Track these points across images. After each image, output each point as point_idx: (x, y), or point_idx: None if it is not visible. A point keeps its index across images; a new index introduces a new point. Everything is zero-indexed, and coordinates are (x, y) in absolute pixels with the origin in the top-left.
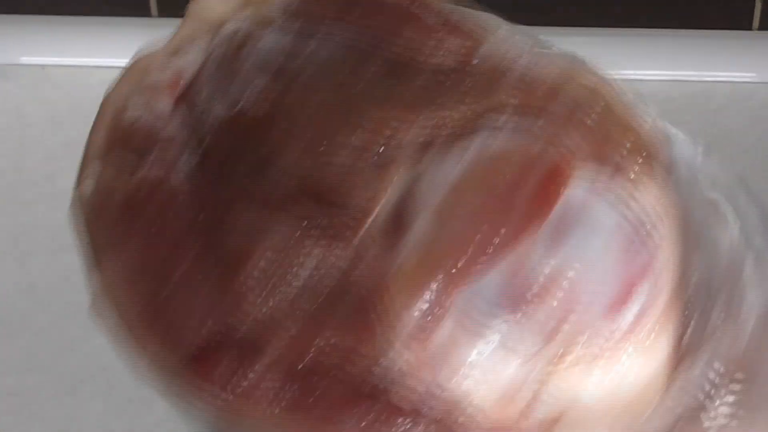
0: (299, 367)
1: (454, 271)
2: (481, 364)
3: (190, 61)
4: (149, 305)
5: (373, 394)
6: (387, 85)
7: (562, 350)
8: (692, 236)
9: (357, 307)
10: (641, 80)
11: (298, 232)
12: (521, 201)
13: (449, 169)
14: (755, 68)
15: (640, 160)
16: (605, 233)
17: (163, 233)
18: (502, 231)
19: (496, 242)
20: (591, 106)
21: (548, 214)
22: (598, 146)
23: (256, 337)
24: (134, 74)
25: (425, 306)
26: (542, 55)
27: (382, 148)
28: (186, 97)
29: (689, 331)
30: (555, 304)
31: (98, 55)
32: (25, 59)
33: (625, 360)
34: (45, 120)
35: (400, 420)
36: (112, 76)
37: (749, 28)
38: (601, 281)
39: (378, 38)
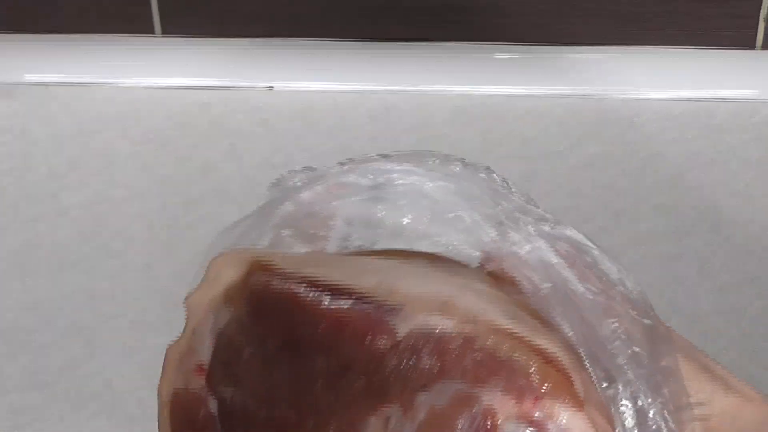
0: None
1: None
2: None
3: (207, 348)
4: None
5: None
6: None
7: None
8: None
9: None
10: (645, 98)
11: None
12: None
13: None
14: (759, 86)
15: (548, 388)
16: None
17: None
18: None
19: None
20: (496, 347)
21: None
22: (512, 383)
23: None
24: (172, 361)
25: None
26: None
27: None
28: (209, 382)
29: None
30: None
31: (102, 74)
32: (29, 78)
33: None
34: (48, 138)
35: None
36: (115, 95)
37: (753, 46)
38: None
39: (316, 349)
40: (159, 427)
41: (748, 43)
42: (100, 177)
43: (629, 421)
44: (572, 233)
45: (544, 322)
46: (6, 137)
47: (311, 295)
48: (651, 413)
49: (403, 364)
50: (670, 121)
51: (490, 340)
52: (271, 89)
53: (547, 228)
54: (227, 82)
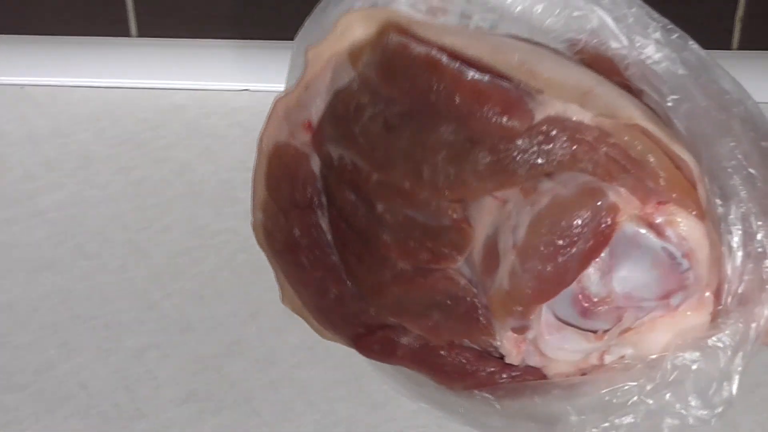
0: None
1: (531, 302)
2: (566, 347)
3: (317, 105)
4: (316, 311)
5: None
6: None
7: (624, 328)
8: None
9: (466, 314)
10: None
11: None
12: (585, 238)
13: (526, 216)
14: None
15: (675, 195)
16: (649, 257)
17: (316, 264)
18: (570, 265)
19: (565, 276)
20: (630, 145)
21: (606, 246)
22: (640, 183)
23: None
24: (277, 114)
25: (515, 322)
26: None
27: (470, 204)
28: (316, 139)
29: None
30: (613, 307)
31: (77, 75)
32: (4, 79)
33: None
34: (24, 139)
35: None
36: (91, 96)
37: (729, 47)
38: (648, 293)
39: (456, 116)
40: (254, 179)
41: (724, 44)
42: (76, 178)
43: (736, 241)
44: (696, 47)
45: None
46: None
47: (453, 64)
48: (759, 236)
49: (534, 147)
50: None
51: (626, 137)
52: (246, 91)
53: (674, 37)
54: (203, 83)
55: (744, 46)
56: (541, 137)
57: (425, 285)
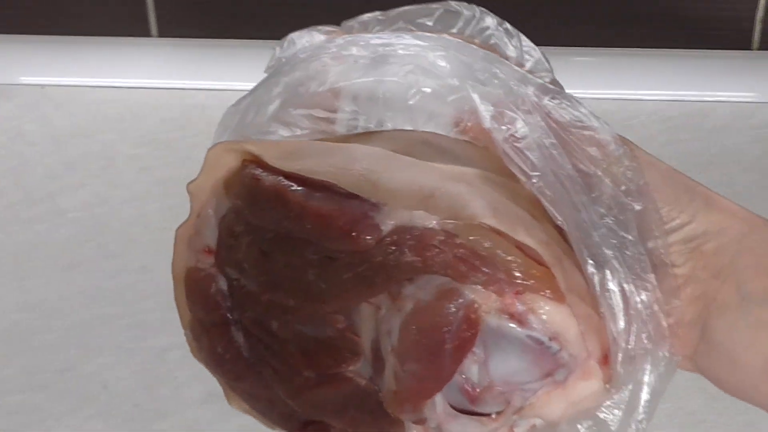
0: None
1: (417, 400)
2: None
3: (212, 231)
4: (256, 412)
5: None
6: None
7: (516, 408)
8: None
9: (374, 410)
10: (642, 99)
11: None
12: (451, 337)
13: (396, 320)
14: (755, 88)
15: (531, 283)
16: (518, 345)
17: (242, 375)
18: (445, 363)
19: (442, 374)
20: (477, 243)
21: (473, 341)
22: (493, 278)
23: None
24: (181, 242)
25: (411, 416)
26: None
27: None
28: (217, 262)
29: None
30: (497, 393)
31: (98, 75)
32: (25, 79)
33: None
34: (45, 139)
35: None
36: (112, 96)
37: (749, 48)
38: (526, 376)
39: (305, 242)
40: (177, 303)
41: (744, 44)
42: (98, 178)
43: (615, 307)
44: (573, 103)
45: (536, 205)
46: (2, 139)
47: (297, 191)
48: (638, 297)
49: (387, 257)
50: (665, 123)
51: (471, 237)
52: None
53: (546, 99)
54: (224, 83)
55: (764, 46)
56: (392, 247)
57: (332, 388)
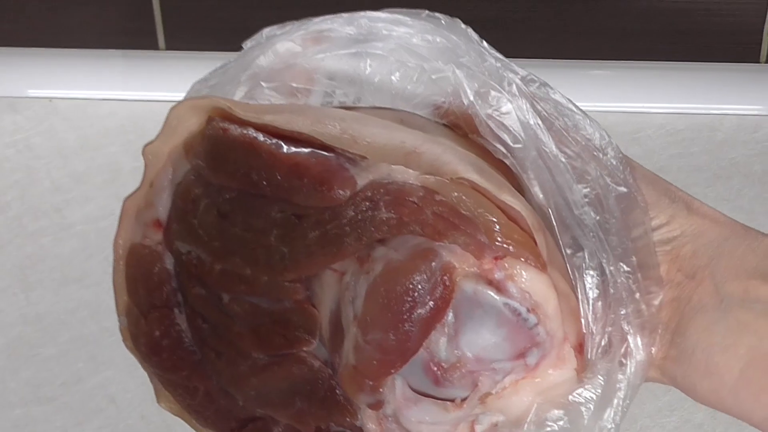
0: None
1: (379, 375)
2: (426, 420)
3: (165, 202)
4: (190, 410)
5: None
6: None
7: (483, 393)
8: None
9: (326, 396)
10: (649, 112)
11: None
12: (422, 302)
13: (362, 285)
14: (763, 101)
15: (512, 248)
16: (494, 315)
17: (180, 364)
18: (413, 332)
19: (409, 344)
20: (459, 201)
21: (446, 307)
22: (473, 239)
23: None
24: (128, 215)
25: (369, 398)
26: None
27: (312, 281)
28: (166, 237)
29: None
30: (466, 372)
31: (106, 88)
32: (33, 92)
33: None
34: (52, 152)
35: None
36: (119, 109)
37: (757, 60)
38: (499, 353)
39: (279, 194)
40: (114, 281)
41: (751, 57)
42: (105, 191)
43: (593, 291)
44: (558, 96)
45: (515, 181)
46: (10, 151)
47: (269, 141)
48: (617, 281)
49: (360, 215)
50: (673, 136)
51: (454, 194)
52: None
53: (532, 88)
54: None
55: None
56: (366, 203)
57: (281, 373)
